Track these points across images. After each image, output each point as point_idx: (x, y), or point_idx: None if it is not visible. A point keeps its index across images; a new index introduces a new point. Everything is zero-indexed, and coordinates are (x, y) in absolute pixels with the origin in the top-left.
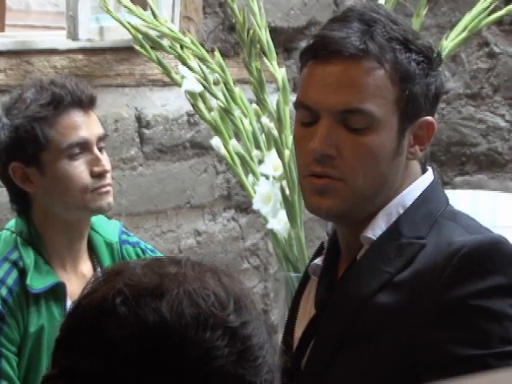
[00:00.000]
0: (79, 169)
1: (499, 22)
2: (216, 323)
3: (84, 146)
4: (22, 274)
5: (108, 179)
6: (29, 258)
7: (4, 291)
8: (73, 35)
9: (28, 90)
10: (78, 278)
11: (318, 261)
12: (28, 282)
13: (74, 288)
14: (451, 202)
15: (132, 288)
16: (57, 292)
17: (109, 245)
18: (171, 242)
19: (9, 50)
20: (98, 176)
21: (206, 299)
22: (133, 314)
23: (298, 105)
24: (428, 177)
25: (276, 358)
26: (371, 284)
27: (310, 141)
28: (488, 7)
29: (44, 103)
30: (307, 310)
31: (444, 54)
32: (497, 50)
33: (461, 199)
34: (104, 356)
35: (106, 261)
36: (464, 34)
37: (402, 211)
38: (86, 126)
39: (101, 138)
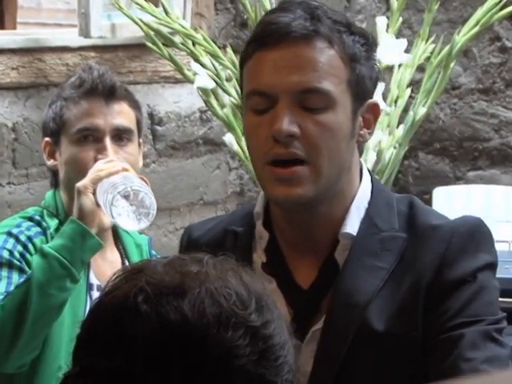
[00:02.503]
0: (84, 153)
1: (511, 17)
2: (238, 322)
3: (95, 134)
4: (45, 231)
5: None
6: (52, 222)
7: (30, 233)
8: (85, 32)
9: (77, 72)
10: (103, 261)
11: (257, 256)
12: (51, 231)
13: (100, 270)
14: (465, 196)
15: (154, 286)
16: None
17: (138, 245)
18: None
19: (21, 48)
20: None
21: (227, 298)
22: (154, 312)
23: (250, 93)
24: (362, 164)
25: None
26: (372, 281)
27: (266, 127)
28: (500, 2)
29: (72, 85)
30: None
31: (456, 48)
32: (509, 44)
33: (474, 194)
34: (125, 354)
35: (135, 257)
36: (476, 29)
37: (366, 203)
38: (101, 114)
39: (119, 130)
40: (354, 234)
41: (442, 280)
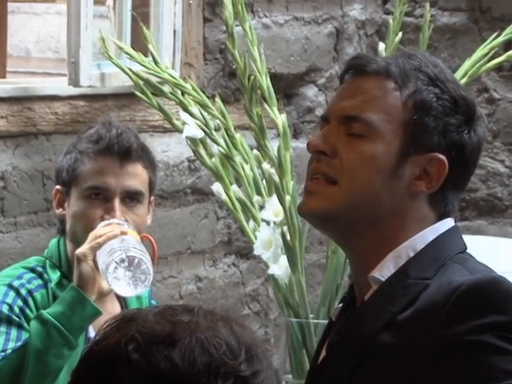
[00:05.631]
0: (92, 211)
1: (498, 68)
2: (227, 372)
3: (105, 193)
4: (46, 284)
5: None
6: (54, 275)
7: (31, 286)
8: (74, 81)
9: (96, 124)
10: (104, 313)
11: (338, 304)
12: (52, 285)
13: (99, 322)
14: None
15: (145, 335)
16: None
17: (138, 297)
18: (172, 288)
19: (10, 97)
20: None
21: (217, 348)
22: (145, 361)
23: (320, 119)
24: (446, 223)
25: None
26: (375, 323)
27: None
28: (487, 53)
29: (90, 140)
30: None
31: None
32: (496, 95)
33: None
34: None
35: (134, 306)
36: (464, 80)
37: (412, 254)
38: (113, 174)
39: (129, 192)
40: (382, 279)
41: (436, 338)
